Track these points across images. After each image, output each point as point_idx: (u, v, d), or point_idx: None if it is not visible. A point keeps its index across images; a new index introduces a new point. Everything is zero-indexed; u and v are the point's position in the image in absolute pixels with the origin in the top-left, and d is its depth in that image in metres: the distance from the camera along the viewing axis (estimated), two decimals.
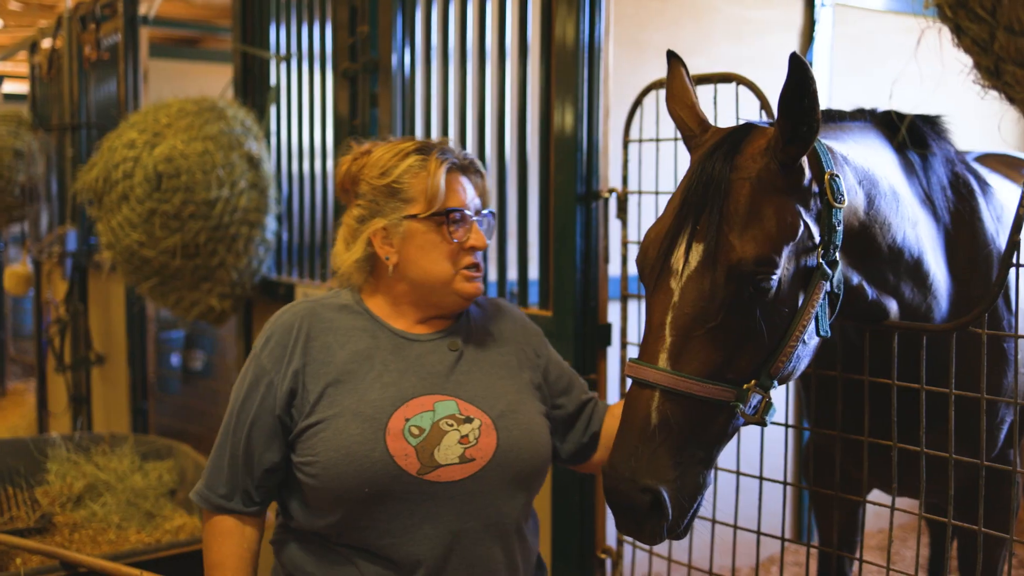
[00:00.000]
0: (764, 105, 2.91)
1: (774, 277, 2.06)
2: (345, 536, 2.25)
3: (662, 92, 3.18)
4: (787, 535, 3.16)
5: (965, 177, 2.77)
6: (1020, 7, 1.44)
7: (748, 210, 2.08)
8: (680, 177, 3.31)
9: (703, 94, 3.18)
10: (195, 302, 5.00)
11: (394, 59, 4.16)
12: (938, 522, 4.12)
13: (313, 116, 4.92)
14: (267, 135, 5.19)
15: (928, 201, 2.59)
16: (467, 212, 2.35)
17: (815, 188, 2.18)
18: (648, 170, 3.37)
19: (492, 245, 3.85)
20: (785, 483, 2.83)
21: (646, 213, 3.76)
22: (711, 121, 2.41)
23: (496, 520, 2.29)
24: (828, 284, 2.17)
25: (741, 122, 2.34)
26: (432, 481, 2.21)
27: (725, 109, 2.94)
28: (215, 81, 6.36)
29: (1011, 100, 1.64)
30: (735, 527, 3.05)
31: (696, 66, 4.68)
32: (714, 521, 3.02)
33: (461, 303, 2.39)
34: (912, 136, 2.61)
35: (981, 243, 2.75)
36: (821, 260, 2.14)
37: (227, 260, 4.88)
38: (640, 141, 3.22)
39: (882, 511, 4.55)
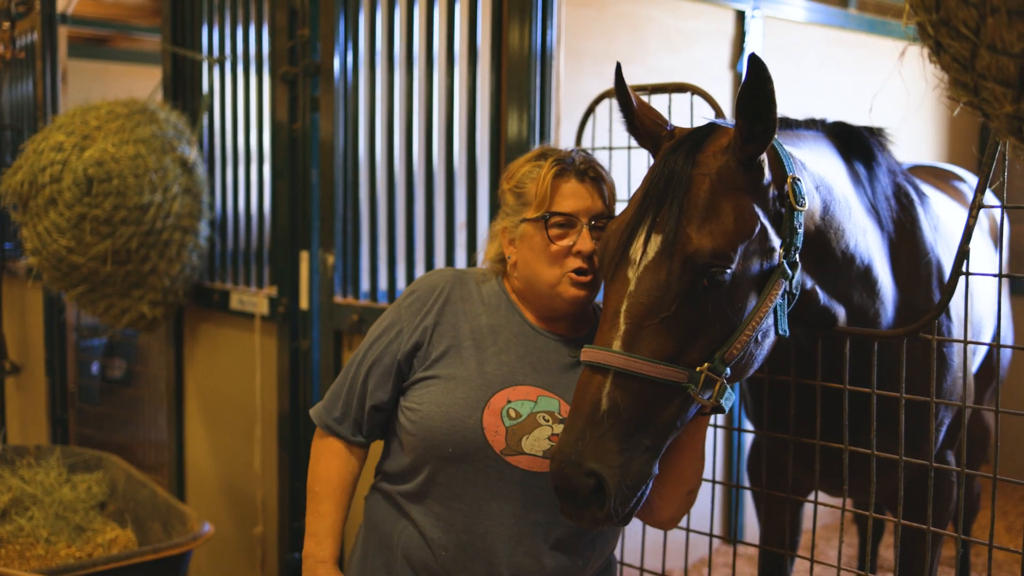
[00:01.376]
0: (719, 115, 2.96)
1: (729, 271, 2.10)
2: (423, 489, 2.40)
3: (615, 101, 3.22)
4: (717, 535, 3.23)
5: (905, 188, 2.86)
6: (1004, 27, 1.49)
7: (707, 205, 2.13)
8: (634, 186, 3.36)
9: (657, 103, 3.23)
10: (125, 309, 4.88)
11: (336, 63, 4.13)
12: (864, 521, 4.25)
13: (249, 120, 4.85)
14: (200, 139, 5.10)
15: (874, 210, 2.66)
16: (573, 216, 2.40)
17: (774, 191, 2.23)
18: None
19: (440, 250, 3.85)
20: (714, 482, 2.92)
21: None
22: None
23: (559, 523, 2.35)
24: (787, 284, 2.22)
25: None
26: (512, 464, 2.33)
27: (679, 119, 2.98)
28: (134, 82, 6.24)
29: (986, 116, 1.68)
30: (688, 530, 3.09)
31: (632, 75, 4.73)
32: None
33: (568, 307, 2.43)
34: (859, 147, 2.69)
35: (922, 252, 2.84)
36: (783, 260, 2.19)
37: (159, 266, 4.78)
38: (593, 149, 3.25)
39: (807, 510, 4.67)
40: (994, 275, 2.43)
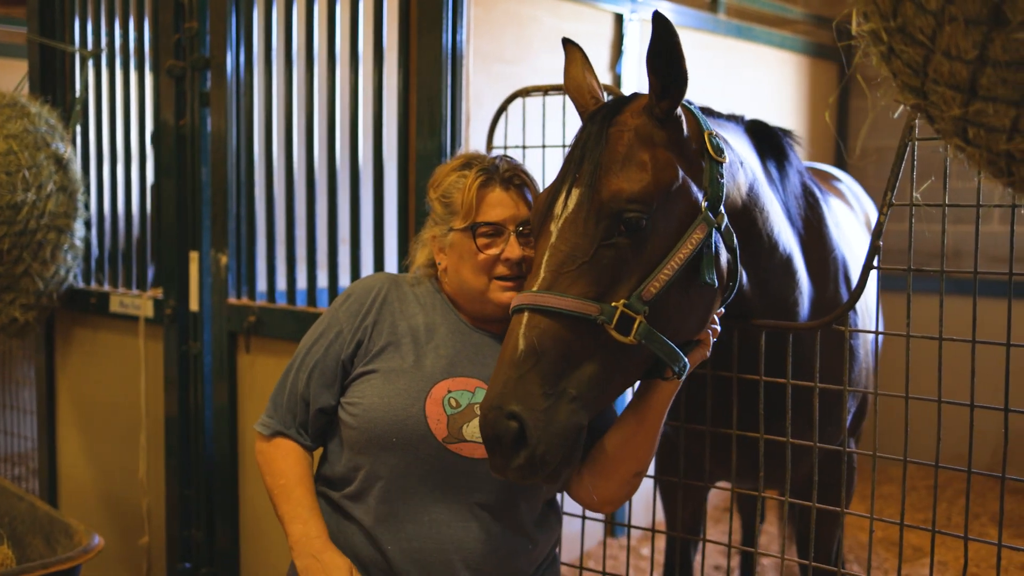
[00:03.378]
0: None
1: (646, 217, 2.17)
2: (365, 487, 2.42)
3: (529, 100, 3.26)
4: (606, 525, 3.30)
5: (811, 187, 2.99)
6: (960, 34, 1.58)
7: (624, 157, 2.21)
8: (549, 183, 3.40)
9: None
10: None
11: (229, 58, 4.03)
12: (749, 503, 4.41)
13: (130, 116, 4.69)
14: (74, 135, 4.90)
15: (785, 208, 2.78)
16: (500, 225, 2.46)
17: (693, 146, 2.32)
18: None
19: (344, 251, 3.81)
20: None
21: None
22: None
23: (506, 507, 2.42)
24: (712, 232, 2.28)
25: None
26: (454, 452, 2.37)
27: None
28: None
29: (931, 119, 1.79)
30: (563, 514, 3.16)
31: (519, 75, 4.83)
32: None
33: (499, 311, 2.47)
34: (773, 146, 2.80)
35: (828, 248, 2.97)
36: (706, 210, 2.26)
37: (33, 268, 4.57)
38: (505, 148, 3.28)
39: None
40: (904, 269, 2.56)
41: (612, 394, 2.26)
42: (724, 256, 2.34)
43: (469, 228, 2.46)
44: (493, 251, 2.45)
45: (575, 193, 2.20)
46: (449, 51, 3.28)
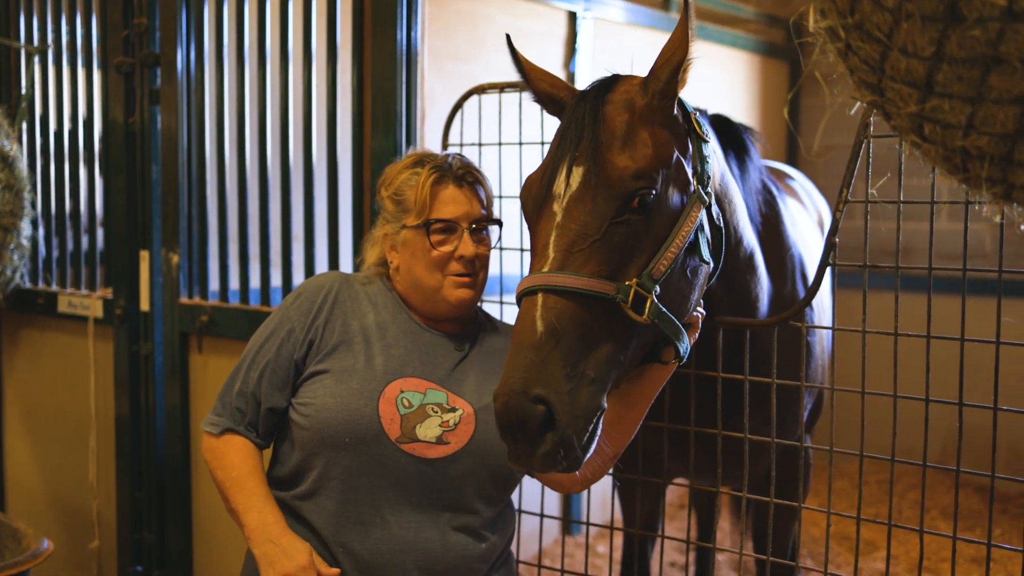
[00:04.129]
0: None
1: (654, 192, 2.17)
2: (316, 487, 2.40)
3: (484, 97, 3.24)
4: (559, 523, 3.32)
5: (768, 185, 3.00)
6: (917, 31, 1.59)
7: (624, 133, 2.20)
8: (506, 181, 3.40)
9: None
10: None
11: (179, 54, 3.98)
12: (705, 500, 4.43)
13: (77, 113, 4.61)
14: (20, 133, 4.80)
15: (746, 204, 2.79)
16: (454, 222, 2.46)
17: (684, 125, 2.33)
18: None
19: (299, 249, 3.77)
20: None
21: None
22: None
23: (459, 508, 2.41)
24: (705, 212, 2.30)
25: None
26: (407, 452, 2.36)
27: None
28: None
29: (887, 115, 1.80)
30: (519, 512, 3.16)
31: (471, 73, 4.81)
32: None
33: (453, 309, 2.49)
34: (735, 141, 2.81)
35: (785, 246, 2.99)
36: (698, 187, 2.28)
37: None
38: (461, 145, 3.26)
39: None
40: (860, 266, 2.58)
41: (621, 376, 2.22)
42: (711, 236, 2.37)
43: (423, 225, 2.46)
44: (447, 248, 2.46)
45: (578, 171, 2.17)
46: (404, 49, 3.26)
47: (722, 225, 2.45)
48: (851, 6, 1.68)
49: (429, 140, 3.47)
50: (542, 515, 3.18)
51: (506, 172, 3.31)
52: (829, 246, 2.58)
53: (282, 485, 2.49)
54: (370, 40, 3.32)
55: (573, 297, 2.07)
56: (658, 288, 2.15)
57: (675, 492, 6.11)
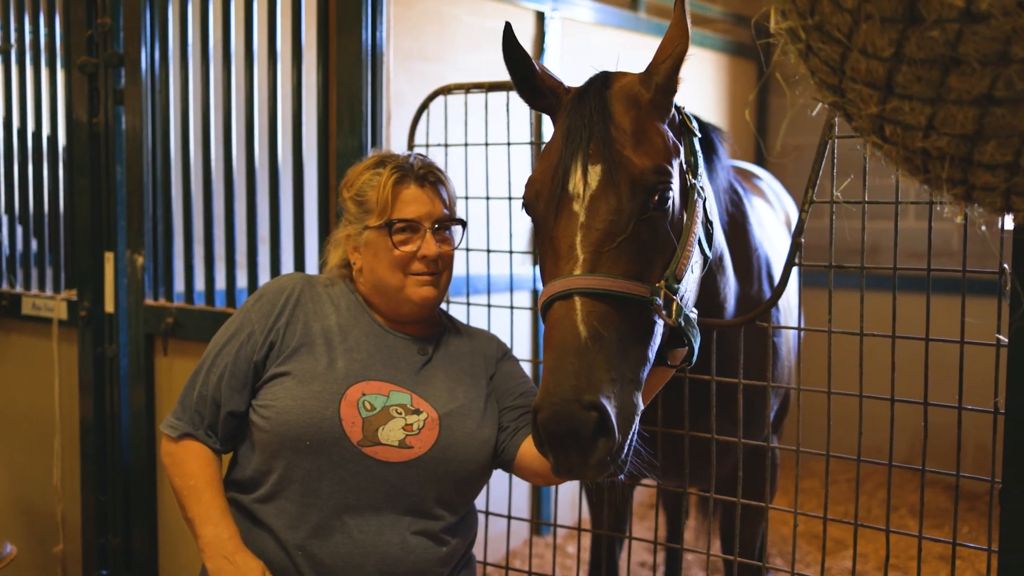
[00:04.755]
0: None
1: (673, 186, 2.17)
2: (276, 491, 2.37)
3: (450, 97, 3.23)
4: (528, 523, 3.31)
5: (735, 185, 3.01)
6: (876, 32, 1.59)
7: (635, 130, 2.18)
8: (472, 182, 3.38)
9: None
10: None
11: (143, 54, 3.94)
12: (673, 500, 4.44)
13: (40, 113, 4.55)
14: None
15: (717, 203, 2.79)
16: (416, 222, 2.46)
17: (677, 118, 2.34)
18: None
19: (264, 251, 3.75)
20: None
21: None
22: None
23: (420, 512, 2.39)
24: (702, 206, 2.31)
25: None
26: (368, 455, 2.34)
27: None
28: None
29: (848, 117, 1.80)
30: (487, 513, 3.16)
31: (440, 73, 4.80)
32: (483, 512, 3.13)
33: (417, 308, 2.49)
34: (704, 140, 2.80)
35: (752, 246, 2.99)
36: (694, 181, 2.29)
37: None
38: (427, 147, 3.24)
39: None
40: (825, 266, 2.58)
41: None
42: (705, 232, 2.38)
43: (385, 225, 2.45)
44: (409, 248, 2.46)
45: (595, 169, 2.13)
46: (369, 49, 3.24)
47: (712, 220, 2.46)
48: (811, 7, 1.68)
49: (396, 140, 3.45)
50: (510, 517, 3.17)
51: (472, 172, 3.30)
52: (795, 247, 2.58)
53: (242, 488, 2.47)
54: (335, 40, 3.29)
55: (610, 300, 2.04)
56: (682, 288, 2.16)
57: (645, 492, 6.11)
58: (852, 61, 1.69)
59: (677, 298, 2.13)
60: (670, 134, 2.25)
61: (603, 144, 2.14)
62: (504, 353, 2.69)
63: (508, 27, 2.33)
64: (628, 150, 2.14)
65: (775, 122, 7.35)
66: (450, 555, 2.46)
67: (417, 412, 2.42)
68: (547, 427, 1.93)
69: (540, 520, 5.14)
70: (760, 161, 6.98)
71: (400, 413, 2.40)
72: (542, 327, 2.94)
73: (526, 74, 2.36)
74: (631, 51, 6.13)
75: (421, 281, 2.47)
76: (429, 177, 2.52)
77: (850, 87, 1.74)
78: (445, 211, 2.53)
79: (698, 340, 2.27)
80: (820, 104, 1.89)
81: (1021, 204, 1.81)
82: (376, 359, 2.47)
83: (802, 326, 3.24)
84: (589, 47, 5.70)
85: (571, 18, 5.57)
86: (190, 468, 2.44)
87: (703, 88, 6.58)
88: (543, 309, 2.11)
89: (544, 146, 2.35)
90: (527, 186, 2.27)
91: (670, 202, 2.16)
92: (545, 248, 2.19)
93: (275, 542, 2.37)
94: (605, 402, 1.93)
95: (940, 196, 1.82)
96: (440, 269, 2.50)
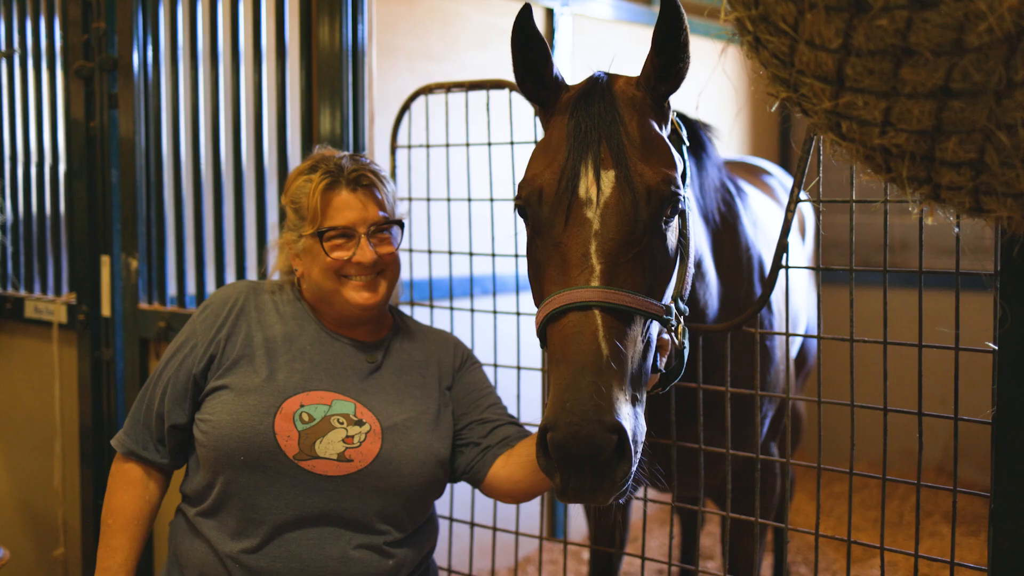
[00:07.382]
0: (536, 112, 2.92)
1: (683, 198, 2.09)
2: (217, 505, 2.33)
3: (432, 97, 3.15)
4: (544, 534, 3.22)
5: (727, 183, 2.89)
6: (822, 22, 1.49)
7: (642, 138, 2.08)
8: (454, 181, 3.29)
9: (474, 99, 3.17)
10: None
11: (136, 58, 3.89)
12: (688, 513, 4.32)
13: (41, 117, 4.53)
14: None
15: (701, 205, 2.67)
16: (349, 228, 2.39)
17: (672, 128, 2.26)
18: (418, 176, 3.33)
19: (252, 253, 3.69)
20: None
21: (417, 219, 3.72)
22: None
23: (362, 527, 2.32)
24: (691, 217, 2.25)
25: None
26: (306, 469, 2.28)
27: (496, 114, 2.93)
28: None
29: (805, 112, 1.69)
30: (494, 528, 3.08)
31: (445, 71, 4.71)
32: (472, 524, 3.09)
33: (360, 312, 2.44)
34: (694, 139, 2.69)
35: (743, 247, 2.87)
36: (684, 195, 2.17)
37: None
38: (409, 147, 3.16)
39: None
40: (811, 267, 2.47)
41: None
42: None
43: (317, 234, 2.39)
44: (343, 254, 2.39)
45: (608, 176, 2.02)
46: (349, 47, 3.16)
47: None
48: None
49: (379, 139, 3.36)
50: (517, 533, 3.06)
51: (454, 172, 3.21)
52: (780, 248, 2.47)
53: (189, 501, 2.45)
54: (316, 38, 3.22)
55: (626, 316, 1.94)
56: (686, 308, 2.10)
57: (657, 507, 5.97)
58: (800, 53, 1.58)
59: (683, 318, 2.07)
60: (670, 145, 2.15)
61: (616, 149, 2.04)
62: (463, 360, 2.60)
63: (527, 7, 2.19)
64: (640, 158, 2.04)
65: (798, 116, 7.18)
66: (397, 566, 2.38)
67: (360, 423, 2.35)
68: (564, 448, 1.79)
69: (546, 537, 5.04)
70: (785, 155, 6.83)
71: (342, 423, 2.34)
72: (527, 331, 2.85)
73: (536, 59, 2.21)
74: (645, 46, 6.00)
75: (358, 286, 2.42)
76: (362, 180, 2.43)
77: (801, 81, 1.63)
78: (381, 213, 2.45)
79: (685, 362, 2.20)
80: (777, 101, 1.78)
81: (992, 204, 1.69)
82: (320, 368, 2.42)
83: (809, 333, 3.11)
84: (602, 43, 5.59)
85: (582, 13, 5.46)
86: (117, 503, 2.43)
87: (719, 82, 6.44)
88: (551, 317, 1.97)
89: (538, 144, 2.22)
90: (524, 184, 2.13)
91: (679, 215, 2.09)
92: (548, 253, 2.06)
93: (215, 557, 2.33)
94: (625, 425, 1.82)
95: (906, 196, 1.71)
96: (380, 270, 2.45)
